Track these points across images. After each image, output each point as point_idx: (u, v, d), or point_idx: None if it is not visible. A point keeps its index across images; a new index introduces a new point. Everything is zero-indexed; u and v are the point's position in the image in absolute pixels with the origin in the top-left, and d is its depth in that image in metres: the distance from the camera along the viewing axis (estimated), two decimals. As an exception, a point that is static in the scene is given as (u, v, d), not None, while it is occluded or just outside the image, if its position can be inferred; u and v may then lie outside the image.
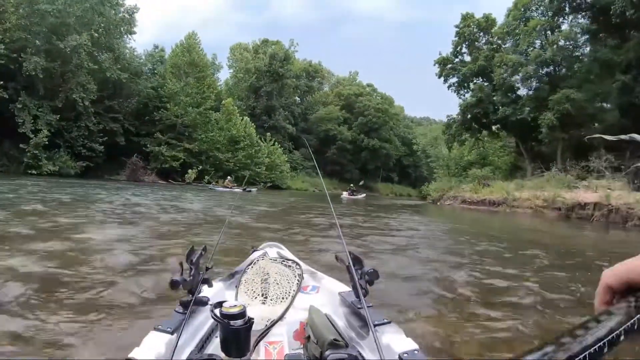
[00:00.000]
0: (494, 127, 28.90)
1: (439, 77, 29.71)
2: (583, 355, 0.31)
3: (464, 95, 30.03)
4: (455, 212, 19.37)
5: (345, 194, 28.78)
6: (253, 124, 41.98)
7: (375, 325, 1.09)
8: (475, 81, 29.02)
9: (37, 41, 27.36)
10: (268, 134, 43.63)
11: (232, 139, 38.93)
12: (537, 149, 26.66)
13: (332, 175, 56.61)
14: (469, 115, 27.85)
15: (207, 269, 1.56)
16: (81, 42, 27.42)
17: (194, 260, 1.43)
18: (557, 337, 0.33)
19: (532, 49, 25.42)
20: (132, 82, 34.24)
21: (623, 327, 0.37)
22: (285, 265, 1.95)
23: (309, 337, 1.28)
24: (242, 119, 40.40)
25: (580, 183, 18.16)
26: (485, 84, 27.88)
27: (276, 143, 43.79)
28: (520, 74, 24.95)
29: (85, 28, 29.06)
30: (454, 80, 29.71)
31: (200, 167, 35.67)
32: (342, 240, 1.48)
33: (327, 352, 1.10)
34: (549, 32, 25.44)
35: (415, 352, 1.05)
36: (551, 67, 25.17)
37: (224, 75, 71.10)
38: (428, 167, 74.72)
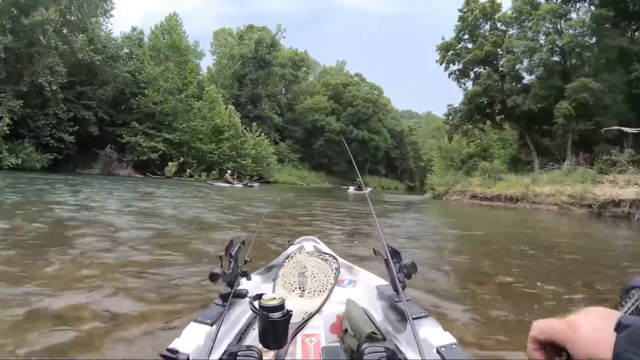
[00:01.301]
0: (497, 118, 27.36)
1: (440, 64, 27.87)
2: None
3: (464, 84, 28.46)
4: (468, 208, 17.61)
5: (351, 189, 27.13)
6: (238, 113, 39.49)
7: (413, 319, 1.05)
8: (476, 69, 27.43)
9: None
10: (254, 124, 41.10)
11: (215, 129, 36.26)
12: (541, 141, 25.32)
13: (319, 168, 54.58)
14: (473, 105, 26.22)
15: (245, 262, 1.54)
16: (48, 18, 24.50)
17: (232, 253, 1.40)
18: None
19: (542, 36, 24.04)
20: (107, 66, 31.25)
21: None
22: (322, 258, 1.90)
23: (346, 330, 1.26)
24: (227, 108, 37.84)
25: (604, 177, 16.70)
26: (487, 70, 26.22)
27: (262, 134, 41.35)
28: (535, 57, 23.38)
29: (55, 4, 26.11)
30: (455, 67, 27.96)
31: (182, 159, 33.04)
32: (380, 234, 1.41)
33: (364, 345, 1.09)
34: (558, 19, 24.08)
35: (453, 346, 1.01)
36: (560, 56, 23.84)
37: (207, 63, 68.23)
38: (415, 160, 73.88)
